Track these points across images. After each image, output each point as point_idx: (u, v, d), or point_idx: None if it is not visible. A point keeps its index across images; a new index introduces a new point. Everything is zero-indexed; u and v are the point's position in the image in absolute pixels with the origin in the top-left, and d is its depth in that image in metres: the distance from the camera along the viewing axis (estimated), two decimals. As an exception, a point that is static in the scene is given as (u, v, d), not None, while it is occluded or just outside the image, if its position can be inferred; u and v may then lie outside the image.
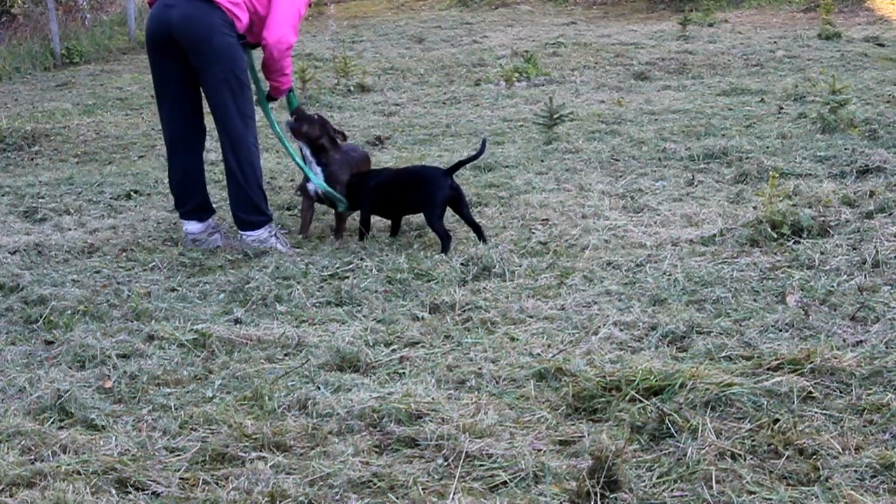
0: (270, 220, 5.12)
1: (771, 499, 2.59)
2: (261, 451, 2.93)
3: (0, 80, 12.57)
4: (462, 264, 4.52)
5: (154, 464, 2.89)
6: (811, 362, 3.22)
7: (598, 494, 2.57)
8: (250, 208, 5.03)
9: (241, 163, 4.98)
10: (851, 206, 5.00)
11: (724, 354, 3.43)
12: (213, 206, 5.35)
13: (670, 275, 4.27)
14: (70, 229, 5.56)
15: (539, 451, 2.89)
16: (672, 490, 2.65)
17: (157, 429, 3.12)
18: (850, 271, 4.14)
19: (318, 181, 5.18)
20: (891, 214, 4.78)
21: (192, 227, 5.19)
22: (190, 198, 5.18)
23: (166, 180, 5.44)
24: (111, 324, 4.04)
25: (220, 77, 4.86)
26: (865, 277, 4.04)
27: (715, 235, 4.75)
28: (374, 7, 18.36)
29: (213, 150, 7.56)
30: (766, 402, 3.03)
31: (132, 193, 6.35)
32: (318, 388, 3.35)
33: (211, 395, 3.36)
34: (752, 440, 2.83)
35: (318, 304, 4.22)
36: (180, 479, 2.81)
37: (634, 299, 4.05)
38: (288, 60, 5.01)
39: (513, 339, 3.73)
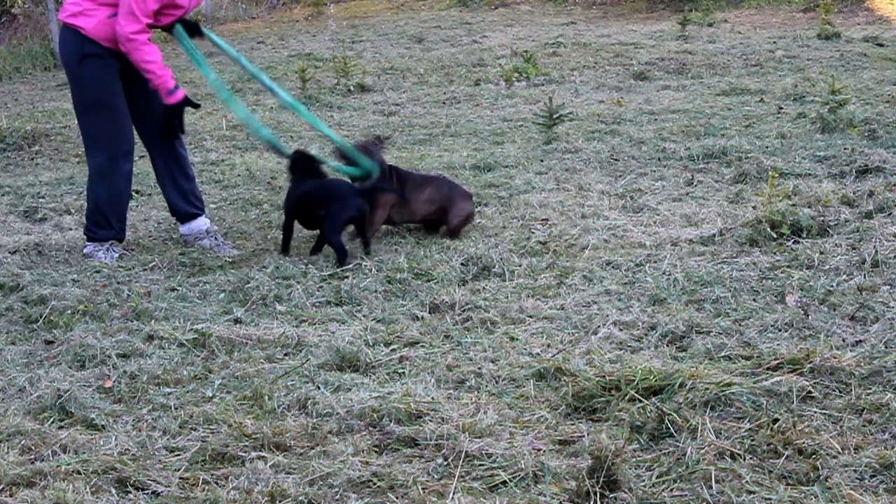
0: (101, 241, 4.98)
1: (770, 498, 2.59)
2: (261, 450, 2.94)
3: (0, 80, 12.57)
4: (462, 264, 4.53)
5: (154, 463, 2.90)
6: (810, 362, 3.22)
7: (598, 494, 2.58)
8: (90, 221, 5.00)
9: (90, 179, 5.00)
10: (851, 206, 5.00)
11: (723, 354, 3.44)
12: (205, 208, 5.31)
13: (670, 274, 4.27)
14: (70, 229, 5.56)
15: (539, 450, 2.89)
16: (671, 490, 2.65)
17: (157, 428, 3.12)
18: (849, 271, 4.14)
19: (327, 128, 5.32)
20: (890, 214, 4.78)
21: (182, 227, 5.21)
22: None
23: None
24: (111, 323, 4.05)
25: (73, 99, 4.99)
26: (865, 277, 4.05)
27: (714, 235, 4.75)
28: (374, 7, 18.35)
29: (212, 150, 7.59)
30: (765, 402, 3.03)
31: (132, 193, 6.34)
32: (318, 387, 3.35)
33: (211, 395, 3.36)
34: (752, 440, 2.83)
35: (317, 304, 4.22)
36: (180, 478, 2.81)
37: (634, 299, 4.06)
38: (140, 53, 4.68)
39: (512, 339, 3.74)
